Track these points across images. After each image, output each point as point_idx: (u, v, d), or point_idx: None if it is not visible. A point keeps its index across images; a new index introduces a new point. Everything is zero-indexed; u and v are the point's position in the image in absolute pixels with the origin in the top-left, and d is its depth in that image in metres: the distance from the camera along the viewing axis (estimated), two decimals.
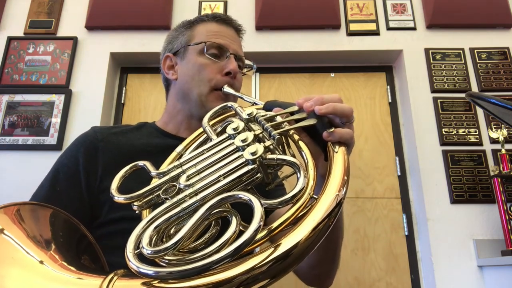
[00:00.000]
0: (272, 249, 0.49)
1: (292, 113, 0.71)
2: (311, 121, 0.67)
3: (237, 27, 1.12)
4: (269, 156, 0.61)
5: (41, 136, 2.49)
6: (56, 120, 2.51)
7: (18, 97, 2.57)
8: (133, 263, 0.50)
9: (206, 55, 1.02)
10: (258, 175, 0.61)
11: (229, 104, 0.84)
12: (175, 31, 1.12)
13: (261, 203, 0.52)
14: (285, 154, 0.66)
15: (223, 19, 1.09)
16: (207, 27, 1.07)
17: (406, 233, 2.42)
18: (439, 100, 2.50)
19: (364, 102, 2.73)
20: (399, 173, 2.55)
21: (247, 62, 1.13)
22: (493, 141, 2.37)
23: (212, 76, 1.01)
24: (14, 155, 2.46)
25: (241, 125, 0.68)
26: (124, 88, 2.80)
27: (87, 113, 2.55)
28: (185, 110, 1.06)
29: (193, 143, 0.79)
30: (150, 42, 2.69)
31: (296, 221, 0.55)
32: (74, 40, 2.69)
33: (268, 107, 0.78)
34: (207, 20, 1.08)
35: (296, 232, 0.50)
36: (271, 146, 0.63)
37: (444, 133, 2.42)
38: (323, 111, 0.66)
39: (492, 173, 2.17)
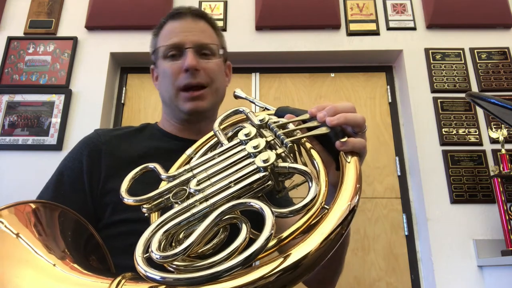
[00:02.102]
0: (282, 259, 0.48)
1: (304, 121, 0.71)
2: (323, 130, 0.66)
3: (194, 13, 1.07)
4: (281, 164, 0.60)
5: (41, 136, 2.48)
6: (56, 120, 2.51)
7: (18, 97, 2.56)
8: (141, 267, 0.50)
9: (167, 58, 1.01)
10: (269, 182, 0.60)
11: (241, 108, 0.82)
12: (151, 40, 1.12)
13: (272, 212, 0.52)
14: (297, 162, 0.66)
15: (175, 14, 1.06)
16: (166, 29, 1.05)
17: (406, 233, 2.43)
18: (439, 100, 2.51)
19: (364, 102, 2.73)
20: (399, 173, 2.56)
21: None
22: (493, 141, 2.38)
23: (174, 77, 0.99)
24: (14, 155, 2.45)
25: (253, 131, 0.67)
26: (124, 88, 2.80)
27: (87, 113, 2.54)
28: (171, 114, 1.07)
29: (203, 147, 0.78)
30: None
31: (307, 230, 0.54)
32: (74, 40, 2.69)
33: (279, 113, 0.77)
34: (166, 22, 1.07)
35: (307, 243, 0.50)
36: (283, 154, 0.62)
37: (444, 133, 2.43)
38: (334, 123, 0.65)
39: (492, 173, 2.18)
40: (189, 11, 1.06)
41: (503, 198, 2.08)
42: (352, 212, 0.54)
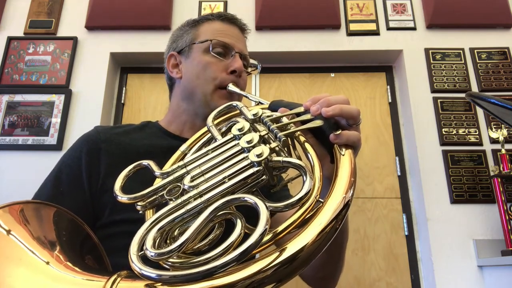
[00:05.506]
0: (278, 253, 0.48)
1: (298, 114, 0.70)
2: (317, 123, 0.66)
3: (242, 26, 1.11)
4: (275, 158, 0.60)
5: (41, 136, 2.48)
6: (56, 120, 2.51)
7: (18, 97, 2.56)
8: (136, 265, 0.50)
9: (212, 53, 1.01)
10: (264, 177, 0.60)
11: (234, 103, 0.83)
12: (180, 30, 1.12)
13: (266, 207, 0.51)
14: (291, 156, 0.66)
15: (228, 18, 1.09)
16: (212, 26, 1.07)
17: (406, 233, 2.42)
18: (439, 100, 2.50)
19: (364, 102, 2.73)
20: (399, 173, 2.55)
21: (251, 61, 1.12)
22: (493, 141, 2.37)
23: (217, 74, 1.00)
24: (14, 155, 2.45)
25: (247, 125, 0.67)
26: (124, 88, 2.80)
27: (87, 113, 2.55)
28: (190, 110, 1.05)
29: (197, 143, 0.78)
30: (150, 42, 2.69)
31: (302, 224, 0.54)
32: (74, 40, 2.69)
33: (273, 107, 0.77)
34: (212, 19, 1.08)
35: (302, 236, 0.50)
36: (277, 148, 0.62)
37: (444, 133, 2.42)
38: (330, 113, 0.65)
39: (492, 173, 2.17)
40: (238, 21, 1.11)
41: (503, 198, 2.07)
42: (346, 206, 0.54)
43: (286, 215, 0.57)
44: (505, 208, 2.05)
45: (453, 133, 2.42)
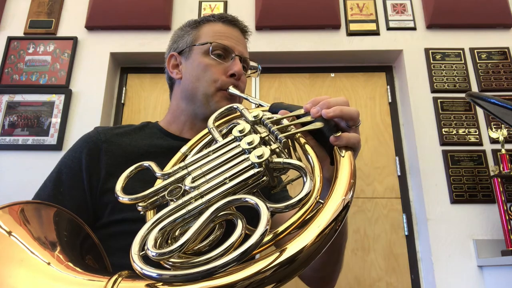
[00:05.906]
0: (278, 253, 0.48)
1: (298, 116, 0.71)
2: (317, 125, 0.66)
3: (243, 28, 1.12)
4: (276, 159, 0.60)
5: (41, 136, 2.48)
6: (56, 120, 2.51)
7: (18, 97, 2.56)
8: (138, 265, 0.50)
9: (211, 55, 1.02)
10: (264, 178, 0.60)
11: (235, 105, 0.84)
12: (181, 30, 1.12)
13: (267, 207, 0.52)
14: (291, 157, 0.66)
15: (229, 20, 1.09)
16: (213, 27, 1.07)
17: (406, 233, 2.42)
18: (439, 100, 2.50)
19: (364, 102, 2.73)
20: (399, 173, 2.55)
21: (252, 63, 1.12)
22: (493, 141, 2.37)
23: (217, 77, 1.01)
24: (14, 155, 2.45)
25: (247, 127, 0.67)
26: (124, 88, 2.80)
27: (87, 113, 2.54)
28: (189, 110, 1.06)
29: (198, 144, 0.78)
30: (150, 42, 2.69)
31: (302, 225, 0.54)
32: (74, 40, 2.69)
33: (274, 109, 0.78)
34: (213, 21, 1.08)
35: (302, 237, 0.50)
36: (277, 150, 0.63)
37: (444, 133, 2.43)
38: (330, 115, 0.66)
39: (492, 173, 2.18)
40: (239, 23, 1.11)
41: (503, 198, 2.07)
42: (346, 207, 0.54)
43: (286, 216, 0.57)
44: (505, 208, 2.05)
45: (453, 133, 2.42)
